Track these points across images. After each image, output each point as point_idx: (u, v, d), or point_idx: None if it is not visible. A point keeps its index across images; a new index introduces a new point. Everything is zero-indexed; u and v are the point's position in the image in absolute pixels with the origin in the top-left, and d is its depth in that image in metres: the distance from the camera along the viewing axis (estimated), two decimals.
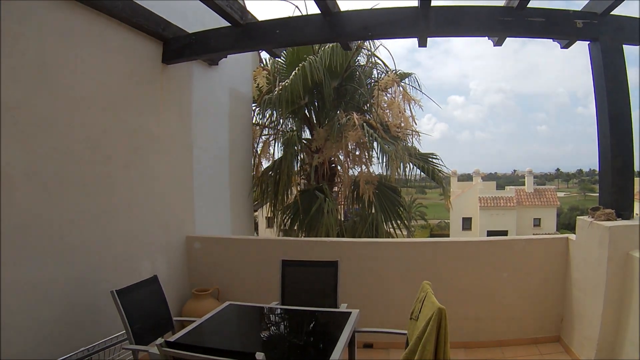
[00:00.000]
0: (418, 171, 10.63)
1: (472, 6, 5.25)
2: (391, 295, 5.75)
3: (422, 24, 5.28)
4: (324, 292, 4.83)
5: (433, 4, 5.12)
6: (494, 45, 5.64)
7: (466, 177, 52.45)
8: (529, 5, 4.97)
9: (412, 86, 11.20)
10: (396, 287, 5.76)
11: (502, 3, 5.16)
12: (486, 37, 5.60)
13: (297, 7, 8.98)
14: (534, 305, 5.62)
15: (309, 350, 3.80)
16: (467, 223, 43.68)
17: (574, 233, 5.33)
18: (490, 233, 37.78)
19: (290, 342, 4.02)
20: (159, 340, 2.79)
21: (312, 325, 4.35)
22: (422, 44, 5.78)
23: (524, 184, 45.22)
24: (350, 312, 4.14)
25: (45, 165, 4.34)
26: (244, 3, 8.47)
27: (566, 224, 46.24)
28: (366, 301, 5.42)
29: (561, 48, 5.51)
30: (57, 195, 4.48)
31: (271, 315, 4.55)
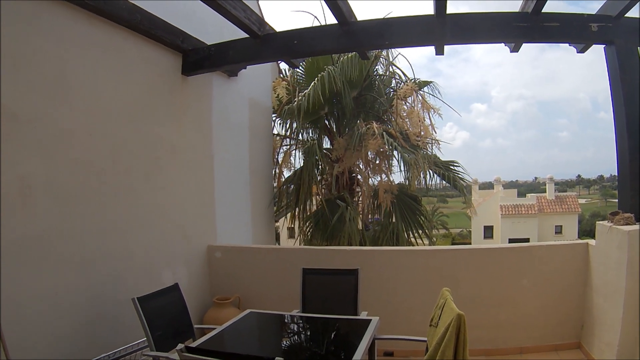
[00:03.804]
0: (439, 179, 10.59)
1: (487, 13, 5.25)
2: (411, 303, 5.74)
3: (438, 32, 5.30)
4: (345, 300, 4.84)
5: (449, 11, 5.13)
6: (511, 52, 5.65)
7: (487, 186, 52.09)
8: (543, 10, 4.96)
9: (432, 95, 11.21)
10: (416, 294, 5.75)
11: (517, 9, 5.16)
12: (503, 44, 5.61)
13: (315, 17, 9.01)
14: (554, 311, 5.56)
15: (329, 357, 3.82)
16: (488, 231, 43.33)
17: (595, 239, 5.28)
18: (511, 241, 37.30)
19: (309, 350, 4.05)
20: (180, 346, 2.83)
21: (331, 332, 4.37)
22: (439, 51, 5.79)
23: (545, 191, 44.71)
24: (370, 320, 4.14)
25: (65, 176, 4.41)
26: (262, 14, 8.57)
27: (587, 231, 45.53)
28: (387, 309, 5.42)
29: (577, 52, 5.49)
30: (78, 206, 4.55)
31: (291, 323, 4.58)
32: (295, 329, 4.54)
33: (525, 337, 5.60)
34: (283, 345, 4.11)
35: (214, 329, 4.16)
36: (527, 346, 5.56)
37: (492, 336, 5.57)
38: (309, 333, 4.47)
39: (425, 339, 3.74)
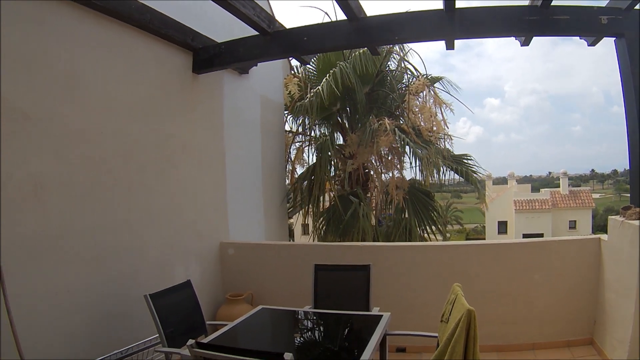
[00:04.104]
0: (452, 174, 10.54)
1: (497, 7, 5.22)
2: (423, 299, 5.74)
3: (448, 27, 5.28)
4: (356, 295, 4.85)
5: (458, 5, 5.10)
6: (521, 45, 5.60)
7: (501, 181, 51.75)
8: (553, 4, 4.92)
9: (444, 90, 11.17)
10: (428, 290, 5.75)
11: (526, 2, 5.12)
12: (513, 38, 5.57)
13: (326, 13, 8.99)
14: (566, 307, 5.53)
15: (340, 353, 3.83)
16: (502, 227, 43.10)
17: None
18: (525, 236, 37.10)
19: (321, 345, 4.07)
20: (190, 342, 2.85)
21: (343, 328, 4.38)
22: (450, 46, 5.78)
23: (559, 186, 44.39)
24: (382, 315, 4.16)
25: (78, 174, 4.46)
26: (272, 11, 8.58)
27: (602, 226, 45.06)
28: (400, 304, 5.42)
29: (588, 45, 5.42)
30: (90, 203, 4.60)
31: (303, 319, 4.61)
32: (307, 324, 4.57)
33: (538, 333, 5.57)
34: (294, 341, 4.13)
35: (226, 325, 4.19)
36: (540, 342, 5.53)
37: (504, 332, 5.56)
38: (320, 329, 4.50)
39: (437, 334, 3.73)
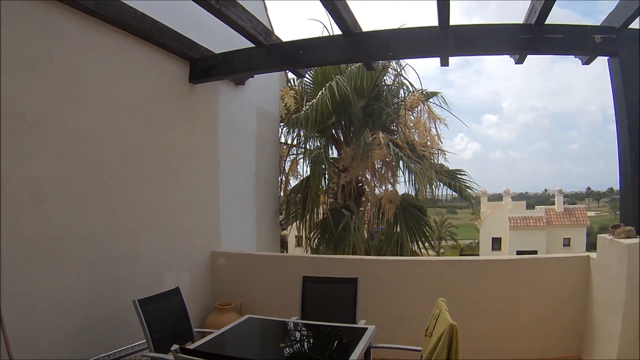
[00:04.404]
0: (446, 189, 10.63)
1: (491, 24, 5.31)
2: (412, 312, 5.73)
3: (442, 43, 5.34)
4: (343, 308, 4.88)
5: (452, 22, 5.17)
6: (516, 63, 5.68)
7: (497, 197, 51.80)
8: (547, 22, 4.97)
9: (439, 105, 11.26)
10: (415, 304, 5.75)
11: (521, 20, 5.18)
12: (508, 56, 5.64)
13: (324, 25, 9.09)
14: (554, 324, 5.55)
15: None
16: (496, 243, 43.15)
17: None
18: (519, 253, 37.08)
19: (305, 355, 4.10)
20: (174, 347, 2.89)
21: (328, 339, 4.42)
22: (444, 63, 5.86)
23: (554, 204, 44.53)
24: (367, 328, 4.20)
25: (77, 177, 4.56)
26: (271, 24, 8.67)
27: (596, 244, 45.25)
28: (387, 318, 5.47)
29: (582, 64, 5.48)
30: (88, 206, 4.69)
31: (289, 329, 4.64)
32: (292, 335, 4.61)
33: (526, 349, 5.57)
34: (278, 350, 4.14)
35: (213, 333, 4.23)
36: (527, 358, 5.52)
37: (492, 347, 5.56)
38: (305, 339, 4.53)
39: (420, 348, 3.77)
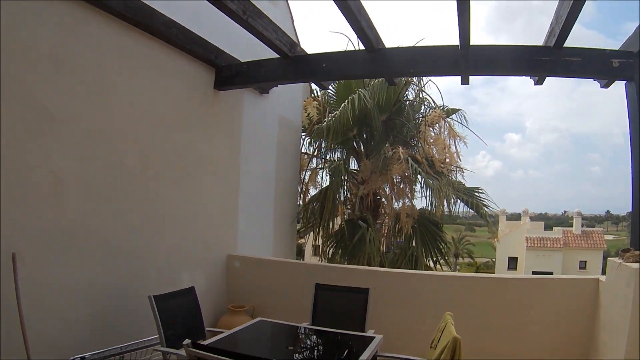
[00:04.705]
0: (463, 206, 10.64)
1: (511, 45, 5.36)
2: (418, 325, 5.77)
3: (462, 63, 5.39)
4: (354, 316, 5.01)
5: (475, 41, 5.21)
6: (535, 85, 5.71)
7: (516, 217, 51.39)
8: (566, 45, 4.99)
9: (460, 122, 11.32)
10: (423, 317, 5.78)
11: (540, 43, 5.22)
12: (528, 77, 5.69)
13: (350, 39, 9.18)
14: (561, 345, 5.52)
15: None
16: (512, 263, 42.77)
17: None
18: (535, 274, 36.75)
19: (311, 358, 4.23)
20: (187, 341, 3.02)
21: (336, 345, 4.54)
22: (465, 81, 5.93)
23: (572, 225, 44.02)
24: (374, 337, 4.29)
25: (97, 174, 4.71)
26: (297, 35, 8.82)
27: None
28: (393, 328, 5.47)
29: (601, 87, 5.47)
30: (107, 203, 4.85)
31: (298, 333, 4.76)
32: (302, 339, 4.72)
33: None
34: (287, 352, 4.24)
35: (225, 332, 4.36)
36: None
37: None
38: (314, 344, 4.65)
39: (425, 359, 3.85)
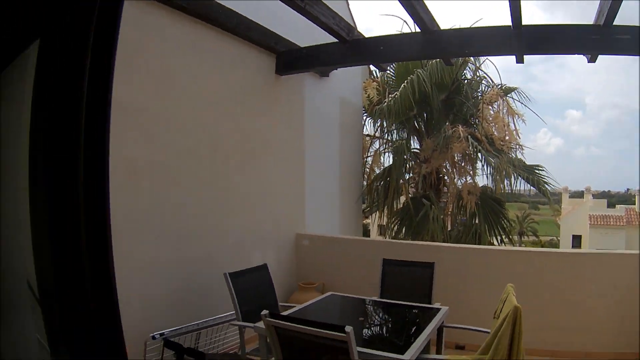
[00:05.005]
0: (524, 184, 10.64)
1: (562, 25, 5.35)
2: (481, 298, 5.86)
3: (515, 43, 5.42)
4: (420, 290, 5.15)
5: (530, 20, 5.23)
6: (588, 62, 5.66)
7: (579, 195, 49.63)
8: (615, 23, 4.93)
9: (518, 100, 11.28)
10: (486, 290, 5.82)
11: (591, 22, 5.17)
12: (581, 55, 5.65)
13: (405, 21, 9.20)
14: (620, 320, 5.51)
15: (397, 336, 4.21)
16: (576, 241, 41.32)
17: None
18: None
19: (381, 327, 4.46)
20: (264, 312, 3.26)
21: (403, 316, 4.74)
22: (520, 60, 5.91)
23: (635, 203, 42.18)
24: (440, 309, 4.42)
25: (166, 160, 4.98)
26: (353, 18, 8.92)
27: None
28: (459, 302, 5.56)
29: None
30: (176, 187, 5.11)
31: (367, 305, 4.95)
32: (371, 310, 4.92)
33: (591, 343, 5.58)
34: (357, 322, 4.41)
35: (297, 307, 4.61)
36: (593, 352, 5.53)
37: (558, 338, 5.63)
38: (382, 315, 4.86)
39: (489, 330, 3.96)
